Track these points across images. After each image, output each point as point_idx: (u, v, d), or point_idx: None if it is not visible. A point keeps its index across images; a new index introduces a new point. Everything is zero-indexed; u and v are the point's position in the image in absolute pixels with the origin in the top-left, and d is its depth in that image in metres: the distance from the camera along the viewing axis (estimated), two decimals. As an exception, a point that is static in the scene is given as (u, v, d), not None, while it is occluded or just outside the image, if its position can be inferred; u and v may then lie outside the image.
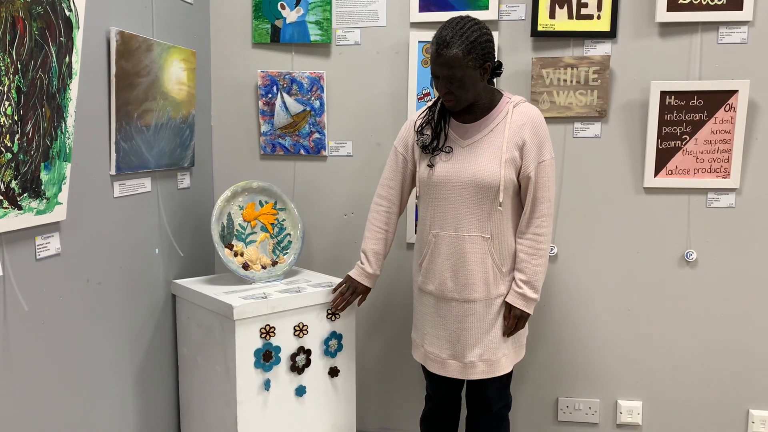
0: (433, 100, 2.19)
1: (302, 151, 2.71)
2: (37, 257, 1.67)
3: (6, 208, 1.49)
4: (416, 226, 2.61)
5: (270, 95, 2.67)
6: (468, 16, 1.99)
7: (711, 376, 2.61)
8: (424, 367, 2.31)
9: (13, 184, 1.50)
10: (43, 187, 1.61)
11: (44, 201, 1.62)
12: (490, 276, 2.06)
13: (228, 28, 2.68)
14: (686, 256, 2.54)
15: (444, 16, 2.51)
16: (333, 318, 2.28)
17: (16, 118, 1.48)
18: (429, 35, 2.55)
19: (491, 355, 2.10)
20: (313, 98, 2.66)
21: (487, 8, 2.50)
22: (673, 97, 2.45)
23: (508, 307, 2.08)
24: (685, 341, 2.61)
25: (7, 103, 1.44)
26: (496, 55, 2.07)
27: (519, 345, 2.16)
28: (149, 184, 2.22)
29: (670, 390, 2.64)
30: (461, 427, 2.45)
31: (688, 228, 2.54)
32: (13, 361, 1.59)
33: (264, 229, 2.45)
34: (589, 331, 2.65)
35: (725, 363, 2.60)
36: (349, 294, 2.24)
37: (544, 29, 2.48)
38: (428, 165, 2.09)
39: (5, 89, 1.43)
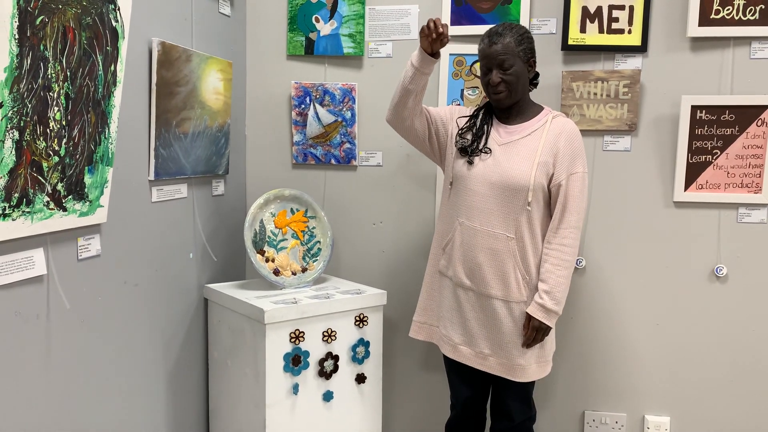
0: (476, 109, 2.24)
1: (333, 161, 2.76)
2: (79, 258, 1.73)
3: (52, 209, 1.55)
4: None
5: (303, 106, 2.73)
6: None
7: (741, 393, 2.58)
8: (448, 375, 2.33)
9: (59, 186, 1.57)
10: (86, 190, 1.67)
11: (87, 203, 1.69)
12: (511, 277, 2.08)
13: (263, 40, 2.76)
14: (716, 271, 2.53)
15: (475, 29, 2.55)
16: (429, 39, 2.01)
17: (64, 123, 1.55)
18: (460, 48, 2.59)
19: (507, 357, 2.11)
20: (344, 109, 2.71)
21: (518, 22, 2.53)
22: (704, 111, 2.45)
23: (528, 317, 2.08)
24: (715, 357, 2.58)
25: (56, 108, 1.51)
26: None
27: (544, 360, 2.16)
28: (185, 190, 2.28)
29: (699, 406, 2.61)
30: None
31: (719, 243, 2.53)
32: (53, 356, 1.65)
33: (295, 236, 2.50)
34: (617, 344, 2.64)
35: (755, 380, 2.57)
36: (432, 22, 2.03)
37: (574, 43, 2.50)
38: (468, 161, 2.14)
39: (55, 95, 1.50)
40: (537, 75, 2.18)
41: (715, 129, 2.46)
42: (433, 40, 2.00)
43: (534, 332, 2.07)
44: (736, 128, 2.45)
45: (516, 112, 2.15)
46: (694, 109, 2.45)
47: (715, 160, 2.47)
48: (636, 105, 2.50)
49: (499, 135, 2.15)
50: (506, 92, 2.07)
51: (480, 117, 2.20)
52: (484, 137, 2.15)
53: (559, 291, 2.05)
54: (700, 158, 2.48)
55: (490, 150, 2.12)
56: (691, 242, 2.55)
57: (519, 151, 2.09)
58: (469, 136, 2.18)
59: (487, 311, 2.11)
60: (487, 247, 2.09)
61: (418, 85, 2.11)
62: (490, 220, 2.09)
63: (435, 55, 2.06)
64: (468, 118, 2.23)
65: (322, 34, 2.69)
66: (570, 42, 2.51)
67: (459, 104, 2.63)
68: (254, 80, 2.78)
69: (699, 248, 2.55)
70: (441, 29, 1.99)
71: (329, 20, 2.67)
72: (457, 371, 2.27)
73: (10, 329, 1.50)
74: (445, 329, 2.22)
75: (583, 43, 2.50)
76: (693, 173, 2.50)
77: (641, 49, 2.48)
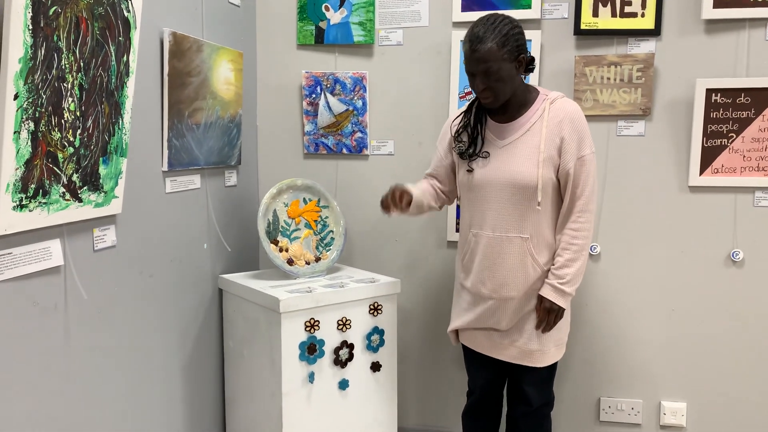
0: (468, 104, 2.20)
1: (345, 150, 2.75)
2: (95, 248, 1.74)
3: (68, 200, 1.56)
4: (458, 224, 2.63)
5: (314, 95, 2.72)
6: (497, 12, 2.02)
7: (758, 378, 2.56)
8: (466, 361, 2.33)
9: (75, 177, 1.57)
10: (101, 180, 1.68)
11: (102, 194, 1.69)
12: (531, 275, 2.07)
13: (273, 29, 2.75)
14: (732, 255, 2.51)
15: (486, 15, 2.53)
16: (389, 212, 2.15)
17: (78, 114, 1.55)
18: (471, 35, 2.57)
19: (525, 345, 2.10)
20: (355, 98, 2.70)
21: (529, 7, 2.51)
22: (719, 94, 2.42)
23: (540, 299, 2.07)
24: (731, 342, 2.56)
25: (70, 99, 1.51)
26: (529, 50, 2.06)
27: (561, 343, 2.15)
28: (198, 181, 2.29)
29: (716, 392, 2.60)
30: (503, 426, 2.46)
31: (735, 227, 2.51)
32: (71, 346, 1.66)
33: (308, 225, 2.50)
34: (632, 330, 2.63)
35: (773, 365, 2.55)
36: (391, 194, 2.12)
37: (587, 27, 2.48)
38: (468, 170, 2.11)
39: (69, 86, 1.50)
40: (532, 60, 2.07)
41: (731, 112, 2.43)
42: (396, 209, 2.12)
43: (546, 314, 2.06)
44: (752, 111, 2.42)
45: (510, 108, 2.08)
46: (709, 92, 2.43)
47: (730, 143, 2.45)
48: (650, 89, 2.47)
49: (496, 137, 2.08)
50: (492, 98, 2.00)
51: (473, 114, 2.14)
52: (479, 138, 2.10)
53: (568, 273, 2.03)
54: (715, 142, 2.46)
55: (488, 153, 2.08)
56: (706, 227, 2.53)
57: (521, 151, 2.03)
58: (465, 138, 2.14)
59: (506, 312, 2.10)
60: (504, 251, 2.07)
61: (419, 211, 2.22)
62: (503, 224, 2.06)
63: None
64: (461, 115, 2.18)
65: (332, 22, 2.68)
66: (582, 26, 2.48)
67: (470, 91, 2.62)
68: (265, 70, 2.78)
69: (715, 233, 2.52)
70: (394, 203, 2.10)
71: (339, 8, 2.66)
72: (474, 358, 2.27)
73: (29, 319, 1.51)
74: (465, 325, 2.22)
75: (595, 28, 2.48)
76: (708, 157, 2.47)
77: (655, 32, 2.46)
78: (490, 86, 1.97)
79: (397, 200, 2.09)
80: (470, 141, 2.11)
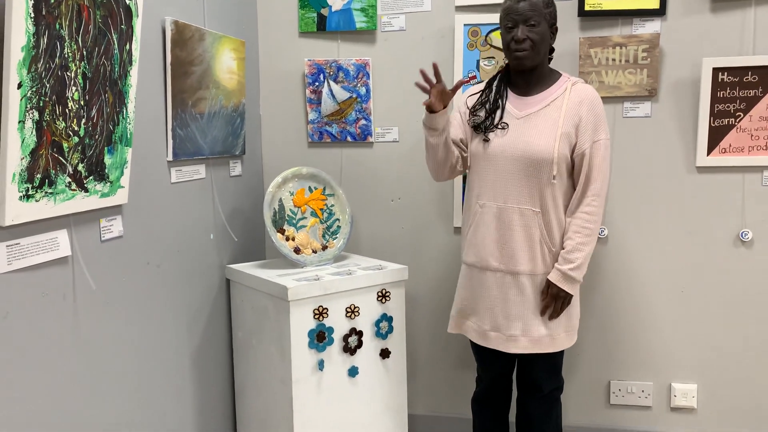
0: (487, 80, 2.21)
1: (349, 138, 2.74)
2: (102, 239, 1.73)
3: (74, 190, 1.55)
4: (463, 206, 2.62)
5: (317, 83, 2.70)
6: None
7: (769, 358, 2.56)
8: (473, 350, 2.32)
9: (80, 167, 1.57)
10: (107, 170, 1.67)
11: (108, 184, 1.69)
12: (537, 250, 2.06)
13: (275, 18, 2.73)
14: (741, 235, 2.49)
15: (489, -2, 2.52)
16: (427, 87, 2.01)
17: (82, 103, 1.54)
18: (474, 18, 2.55)
19: (535, 331, 2.08)
20: (359, 85, 2.69)
21: (532, -11, 2.49)
22: (726, 73, 2.40)
23: (547, 284, 2.06)
24: (741, 322, 2.55)
25: (74, 88, 1.50)
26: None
27: (572, 329, 2.13)
28: (203, 171, 2.28)
29: (727, 373, 2.59)
30: (513, 410, 2.46)
31: (743, 207, 2.49)
32: (81, 337, 1.66)
33: (314, 214, 2.49)
34: (642, 312, 2.62)
35: (784, 345, 2.54)
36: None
37: (591, 8, 2.46)
38: (484, 139, 2.11)
39: (72, 75, 1.49)
40: (553, 49, 2.15)
41: (738, 91, 2.41)
42: (434, 93, 1.98)
43: (553, 300, 2.05)
44: (760, 89, 2.40)
45: (534, 80, 2.11)
46: (716, 71, 2.40)
47: (738, 122, 2.43)
48: (656, 70, 2.45)
49: (516, 108, 2.10)
50: (530, 51, 2.02)
51: (494, 90, 2.15)
52: (499, 111, 2.11)
53: (578, 258, 2.02)
54: (722, 121, 2.44)
55: (507, 125, 2.09)
56: (715, 207, 2.51)
57: (539, 124, 2.05)
58: (482, 113, 2.14)
59: (513, 289, 2.09)
60: (514, 223, 2.06)
61: (440, 140, 2.09)
62: (515, 195, 2.06)
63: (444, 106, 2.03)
64: (480, 92, 2.19)
65: (333, 9, 2.66)
66: (587, 8, 2.46)
67: (474, 75, 2.60)
68: (267, 59, 2.76)
69: (723, 213, 2.51)
70: (429, 78, 1.97)
71: (341, -5, 2.64)
72: (483, 349, 2.25)
73: (37, 310, 1.51)
74: (473, 317, 2.19)
75: (600, 8, 2.45)
76: (716, 137, 2.45)
77: (660, 12, 2.43)
78: (530, 38, 2.01)
79: (433, 75, 2.00)
80: (487, 114, 2.12)
